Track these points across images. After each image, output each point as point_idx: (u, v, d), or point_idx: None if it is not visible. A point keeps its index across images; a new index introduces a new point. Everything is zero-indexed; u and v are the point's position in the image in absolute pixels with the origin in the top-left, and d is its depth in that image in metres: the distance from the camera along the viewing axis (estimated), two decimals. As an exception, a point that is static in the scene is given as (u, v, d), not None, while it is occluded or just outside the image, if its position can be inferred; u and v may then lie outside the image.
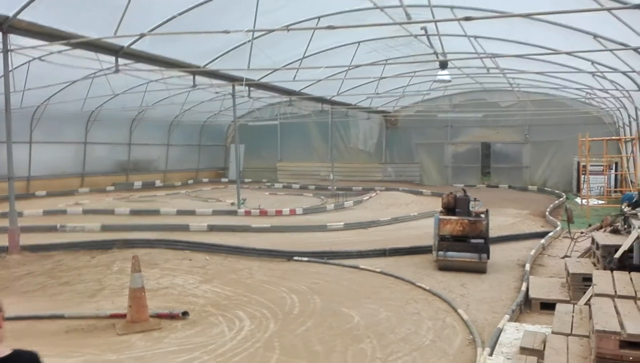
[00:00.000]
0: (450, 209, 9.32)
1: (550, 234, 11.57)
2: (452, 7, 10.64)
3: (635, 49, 9.90)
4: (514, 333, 5.51)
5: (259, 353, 5.36)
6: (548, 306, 6.51)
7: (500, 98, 23.09)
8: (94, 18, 10.62)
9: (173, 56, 13.06)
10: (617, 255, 6.58)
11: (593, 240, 8.35)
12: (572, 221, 12.15)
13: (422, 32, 12.38)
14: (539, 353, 4.61)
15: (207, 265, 9.38)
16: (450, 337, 5.85)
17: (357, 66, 14.71)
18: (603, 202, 16.46)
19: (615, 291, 4.98)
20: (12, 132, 10.25)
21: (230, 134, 29.16)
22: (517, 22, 10.72)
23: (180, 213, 16.07)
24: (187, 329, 6.14)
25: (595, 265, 7.33)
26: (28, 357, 2.08)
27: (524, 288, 7.28)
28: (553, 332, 4.88)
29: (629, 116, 17.73)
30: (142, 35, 10.40)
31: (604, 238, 7.80)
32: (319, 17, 11.76)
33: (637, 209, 8.34)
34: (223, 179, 28.45)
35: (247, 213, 15.85)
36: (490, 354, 5.04)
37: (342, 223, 13.73)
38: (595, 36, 10.58)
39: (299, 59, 13.70)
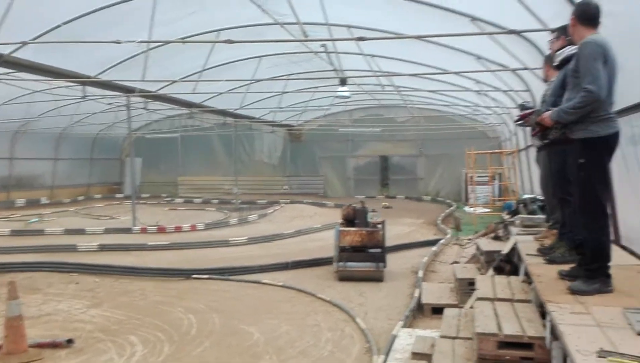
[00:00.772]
0: (349, 220, 9.60)
1: (441, 241, 12.25)
2: (348, 27, 10.96)
3: (513, 70, 10.90)
4: (407, 339, 5.74)
5: (152, 379, 5.11)
6: (439, 310, 6.76)
7: (396, 114, 24.19)
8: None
9: (62, 65, 12.16)
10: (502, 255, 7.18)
11: (477, 247, 9.03)
12: (460, 229, 13.05)
13: (322, 49, 12.70)
14: (429, 358, 4.83)
15: (97, 288, 8.80)
16: (349, 346, 5.97)
17: (259, 80, 14.73)
18: (489, 210, 17.79)
19: (495, 295, 5.37)
20: None
21: (126, 148, 27.70)
22: (411, 43, 11.30)
23: (68, 232, 14.91)
24: (72, 358, 5.68)
25: (479, 270, 7.89)
26: None
27: (416, 294, 7.62)
28: (441, 336, 5.14)
29: (509, 131, 19.43)
30: (24, 43, 9.61)
31: (487, 244, 8.47)
32: (219, 31, 11.66)
33: (515, 217, 9.14)
34: (118, 195, 26.84)
35: (144, 230, 15.08)
36: (385, 361, 5.22)
37: (246, 237, 13.55)
38: (478, 57, 11.50)
39: (198, 72, 13.43)
